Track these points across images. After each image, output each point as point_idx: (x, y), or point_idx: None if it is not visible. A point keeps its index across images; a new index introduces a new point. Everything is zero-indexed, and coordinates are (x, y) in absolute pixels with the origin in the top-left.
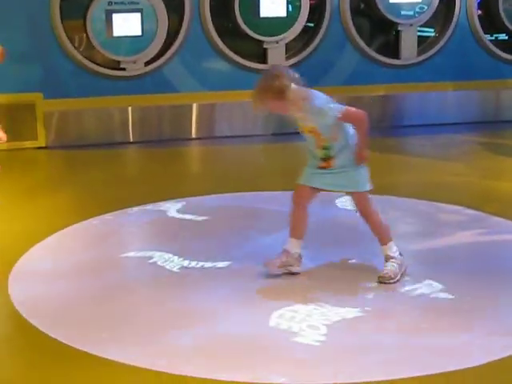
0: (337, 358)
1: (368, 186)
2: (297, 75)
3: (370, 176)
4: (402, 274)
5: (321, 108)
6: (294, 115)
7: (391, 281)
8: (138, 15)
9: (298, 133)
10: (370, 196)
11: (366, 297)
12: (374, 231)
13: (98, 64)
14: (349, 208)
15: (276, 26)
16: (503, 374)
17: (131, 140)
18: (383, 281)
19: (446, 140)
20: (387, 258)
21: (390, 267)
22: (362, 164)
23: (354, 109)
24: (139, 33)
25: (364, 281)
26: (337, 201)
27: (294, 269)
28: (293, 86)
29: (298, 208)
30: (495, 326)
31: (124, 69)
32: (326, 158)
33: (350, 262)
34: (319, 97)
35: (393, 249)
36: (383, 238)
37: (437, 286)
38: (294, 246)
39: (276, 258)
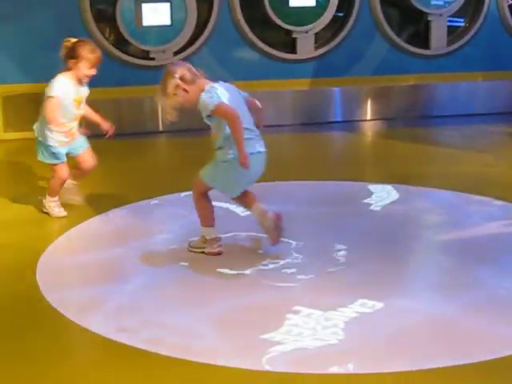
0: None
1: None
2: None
3: (398, 166)
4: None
5: (203, 100)
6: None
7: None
8: (167, 5)
9: (328, 123)
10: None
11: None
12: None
13: (127, 54)
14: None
15: (305, 15)
16: None
17: (161, 129)
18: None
19: (475, 130)
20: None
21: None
22: (243, 166)
23: (226, 106)
24: (168, 22)
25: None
26: None
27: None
28: (188, 77)
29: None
30: None
31: (153, 58)
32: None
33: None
34: (212, 90)
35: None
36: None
37: (461, 276)
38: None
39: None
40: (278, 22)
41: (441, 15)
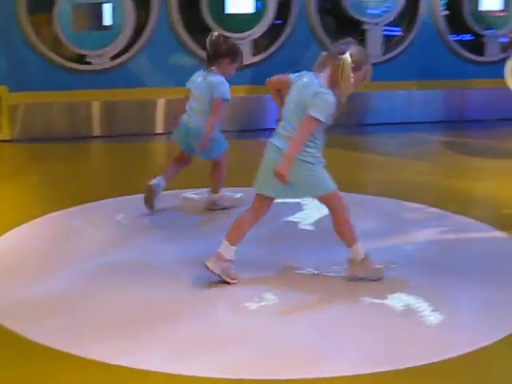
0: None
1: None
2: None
3: (335, 174)
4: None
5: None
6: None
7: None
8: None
9: (263, 130)
10: None
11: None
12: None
13: (63, 57)
14: None
15: (243, 22)
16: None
17: (96, 134)
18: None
19: (410, 139)
20: None
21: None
22: None
23: None
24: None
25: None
26: None
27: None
28: None
29: None
30: (454, 321)
31: (90, 63)
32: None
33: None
34: None
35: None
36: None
37: (397, 282)
38: None
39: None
40: (216, 28)
41: (377, 24)
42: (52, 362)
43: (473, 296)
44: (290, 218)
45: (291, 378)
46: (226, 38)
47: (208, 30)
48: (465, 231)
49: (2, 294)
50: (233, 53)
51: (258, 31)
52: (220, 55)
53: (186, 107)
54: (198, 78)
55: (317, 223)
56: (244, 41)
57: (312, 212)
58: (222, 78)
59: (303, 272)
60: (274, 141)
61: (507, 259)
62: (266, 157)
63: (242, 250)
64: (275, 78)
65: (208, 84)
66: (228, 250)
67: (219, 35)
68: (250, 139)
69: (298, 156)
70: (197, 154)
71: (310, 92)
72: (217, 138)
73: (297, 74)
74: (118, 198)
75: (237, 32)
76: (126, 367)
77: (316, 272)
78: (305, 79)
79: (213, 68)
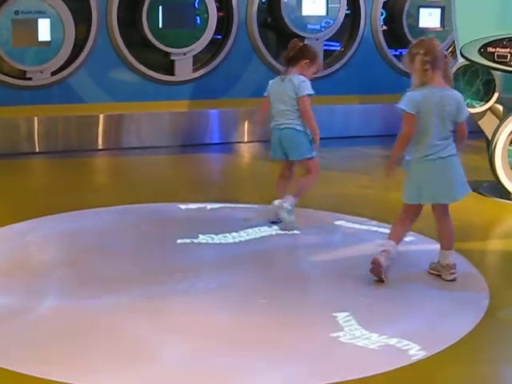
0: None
1: None
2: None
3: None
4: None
5: None
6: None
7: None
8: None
9: (206, 144)
10: None
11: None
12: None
13: (3, 73)
14: None
15: (183, 37)
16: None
17: (37, 150)
18: None
19: (350, 153)
20: None
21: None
22: None
23: None
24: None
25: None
26: None
27: None
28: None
29: None
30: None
31: (30, 78)
32: None
33: None
34: None
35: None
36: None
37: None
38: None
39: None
40: (156, 43)
41: (317, 39)
42: None
43: (415, 308)
44: None
45: None
46: (306, 44)
47: (150, 46)
48: (406, 244)
49: None
50: (311, 55)
51: (198, 46)
52: (300, 57)
53: (272, 113)
54: (277, 82)
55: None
56: (185, 56)
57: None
58: (302, 77)
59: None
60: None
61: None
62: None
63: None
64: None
65: (291, 84)
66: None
67: (299, 40)
68: (191, 154)
69: None
70: (293, 158)
71: None
72: (311, 138)
73: None
74: (58, 215)
75: (178, 47)
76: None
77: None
78: None
79: (292, 69)
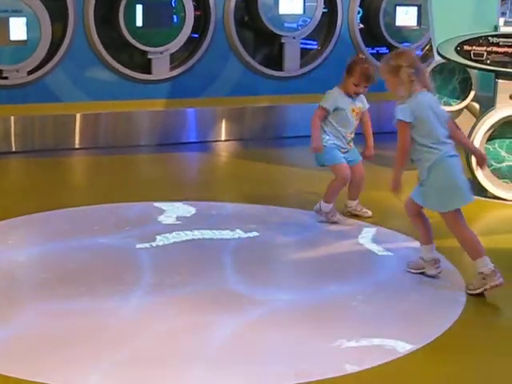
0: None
1: None
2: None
3: (253, 187)
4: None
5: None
6: (398, 95)
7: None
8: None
9: (183, 143)
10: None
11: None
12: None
13: None
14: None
15: (160, 36)
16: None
17: (14, 150)
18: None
19: None
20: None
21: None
22: None
23: None
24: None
25: None
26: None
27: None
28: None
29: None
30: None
31: (6, 77)
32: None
33: None
34: None
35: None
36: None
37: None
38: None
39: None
40: (133, 42)
41: (294, 38)
42: None
43: (394, 306)
44: None
45: None
46: (361, 58)
47: (127, 44)
48: (384, 242)
49: None
50: (349, 67)
51: (175, 45)
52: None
53: None
54: None
55: None
56: (162, 55)
57: None
58: (330, 91)
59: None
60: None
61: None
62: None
63: None
64: None
65: None
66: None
67: (361, 53)
68: (169, 152)
69: None
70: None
71: None
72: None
73: None
74: (37, 214)
75: (154, 46)
76: None
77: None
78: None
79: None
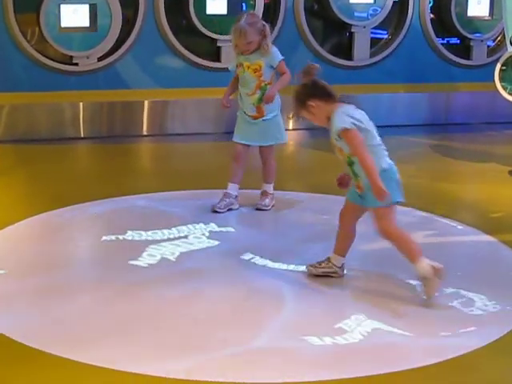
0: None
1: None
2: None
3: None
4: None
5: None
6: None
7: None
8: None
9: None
10: None
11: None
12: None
13: (50, 58)
14: None
15: (230, 24)
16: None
17: (82, 136)
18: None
19: (396, 142)
20: None
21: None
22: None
23: None
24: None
25: None
26: None
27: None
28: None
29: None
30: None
31: (77, 64)
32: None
33: None
34: None
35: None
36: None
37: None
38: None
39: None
40: (203, 30)
41: (364, 27)
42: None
43: (460, 300)
44: None
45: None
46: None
47: (195, 32)
48: (452, 235)
49: None
50: None
51: None
52: None
53: None
54: None
55: None
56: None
57: None
58: None
59: None
60: None
61: (495, 263)
62: None
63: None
64: None
65: None
66: None
67: None
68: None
69: None
70: None
71: None
72: None
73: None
74: (105, 200)
75: (224, 34)
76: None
77: None
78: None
79: None
